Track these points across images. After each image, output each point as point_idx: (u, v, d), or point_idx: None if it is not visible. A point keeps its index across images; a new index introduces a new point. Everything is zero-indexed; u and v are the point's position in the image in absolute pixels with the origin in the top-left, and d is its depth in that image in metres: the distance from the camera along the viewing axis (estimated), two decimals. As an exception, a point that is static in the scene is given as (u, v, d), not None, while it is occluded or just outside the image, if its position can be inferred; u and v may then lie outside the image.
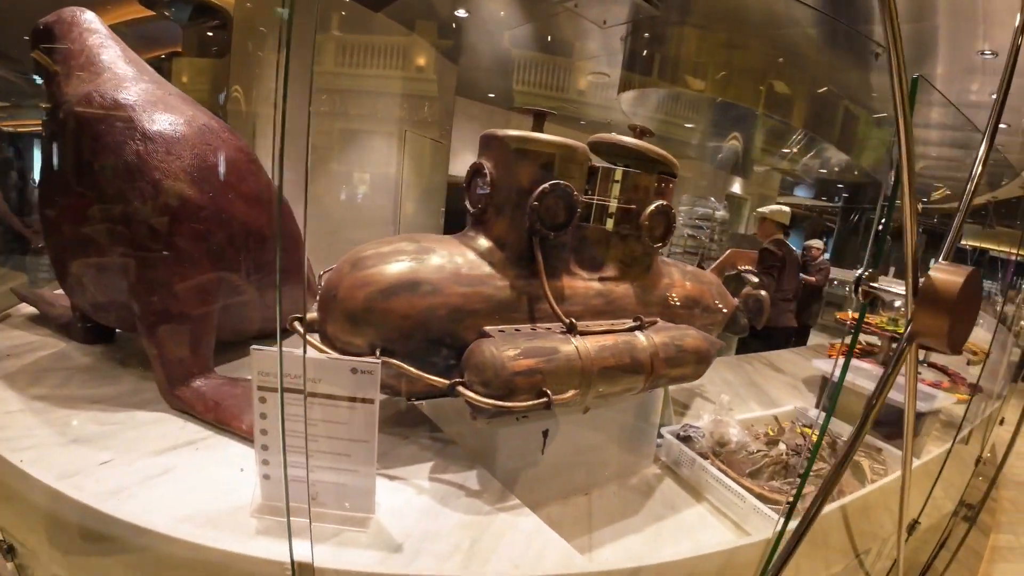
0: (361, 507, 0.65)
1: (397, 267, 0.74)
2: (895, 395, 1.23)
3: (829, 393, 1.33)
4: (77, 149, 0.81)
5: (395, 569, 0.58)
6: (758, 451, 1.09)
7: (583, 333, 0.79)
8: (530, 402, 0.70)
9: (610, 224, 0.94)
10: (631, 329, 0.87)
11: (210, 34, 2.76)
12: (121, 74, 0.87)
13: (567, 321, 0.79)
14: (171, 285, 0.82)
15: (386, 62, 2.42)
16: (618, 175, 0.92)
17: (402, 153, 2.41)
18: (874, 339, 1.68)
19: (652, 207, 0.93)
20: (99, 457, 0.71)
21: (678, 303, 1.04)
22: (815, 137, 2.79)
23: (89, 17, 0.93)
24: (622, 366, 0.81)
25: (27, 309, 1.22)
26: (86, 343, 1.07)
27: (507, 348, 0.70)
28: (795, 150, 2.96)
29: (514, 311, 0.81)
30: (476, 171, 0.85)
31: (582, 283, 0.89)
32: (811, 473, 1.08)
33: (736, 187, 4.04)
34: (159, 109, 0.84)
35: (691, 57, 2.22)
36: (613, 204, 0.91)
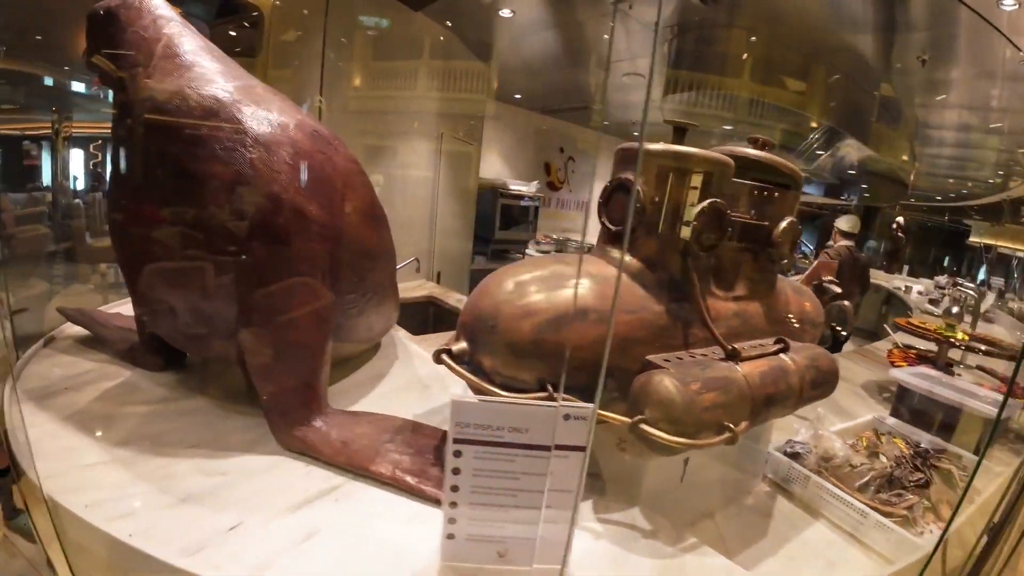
0: (552, 559, 0.61)
1: (562, 294, 0.70)
2: (966, 400, 1.28)
3: (902, 400, 1.37)
4: (169, 155, 0.71)
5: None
6: (862, 464, 1.11)
7: (742, 359, 0.77)
8: (718, 439, 0.67)
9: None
10: (777, 352, 0.85)
11: (232, 33, 2.59)
12: (212, 68, 0.77)
13: (728, 348, 0.77)
14: (289, 312, 0.74)
15: (426, 64, 2.33)
16: (759, 192, 0.90)
17: (438, 155, 2.33)
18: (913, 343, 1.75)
19: (784, 223, 0.91)
20: (223, 520, 0.61)
21: (793, 319, 1.03)
22: (833, 136, 2.87)
23: (158, 1, 0.82)
24: (780, 392, 0.79)
25: (73, 330, 1.10)
26: (155, 370, 0.96)
27: (691, 382, 0.67)
28: (814, 147, 3.05)
29: (671, 337, 0.77)
30: (621, 187, 0.81)
31: (721, 303, 0.87)
32: (910, 482, 1.11)
33: None
34: (265, 110, 0.75)
35: (737, 59, 2.26)
36: (754, 221, 0.89)
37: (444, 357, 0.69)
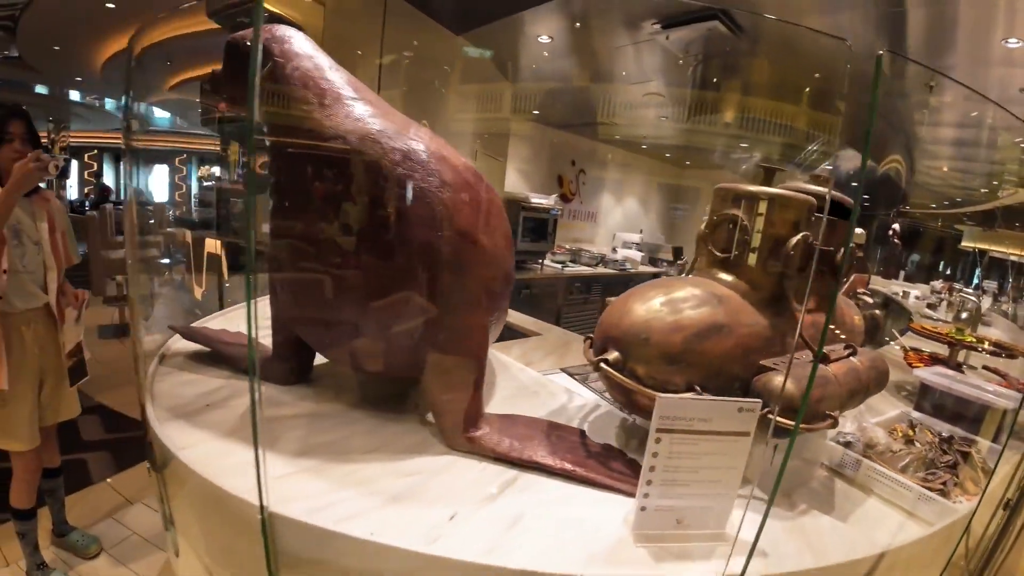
0: (717, 525, 0.78)
1: (703, 311, 0.88)
2: (982, 395, 1.53)
3: (924, 396, 1.61)
4: (366, 191, 0.83)
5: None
6: (900, 450, 1.33)
7: (830, 361, 0.98)
8: (824, 424, 0.87)
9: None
10: (848, 355, 1.06)
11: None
12: (382, 109, 0.90)
13: (819, 352, 0.97)
14: (468, 330, 0.89)
15: (465, 86, 2.50)
16: (828, 224, 1.11)
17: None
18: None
19: (841, 252, 1.13)
20: (441, 513, 0.73)
21: (847, 328, 1.25)
22: (829, 147, 3.17)
23: (298, 34, 0.96)
24: (856, 388, 1.00)
25: (181, 347, 1.21)
26: (284, 384, 1.09)
27: (801, 380, 0.87)
28: (811, 159, 3.37)
29: (773, 345, 0.97)
30: (730, 220, 1.00)
31: (799, 316, 1.08)
32: (942, 463, 1.33)
33: None
34: (437, 150, 0.89)
35: (757, 83, 2.55)
36: (825, 248, 1.10)
37: (604, 366, 0.86)
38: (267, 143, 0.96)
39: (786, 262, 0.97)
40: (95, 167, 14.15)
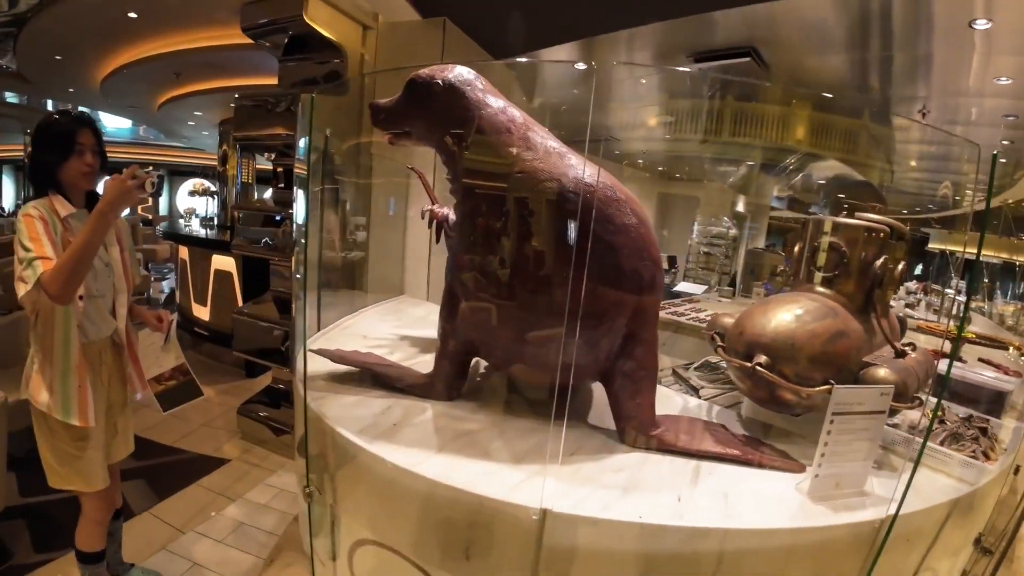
0: (861, 484, 1.06)
1: (828, 321, 1.17)
2: (989, 381, 1.93)
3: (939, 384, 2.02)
4: (577, 228, 1.01)
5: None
6: (936, 428, 1.70)
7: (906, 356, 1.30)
8: (910, 404, 1.17)
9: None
10: (908, 352, 1.40)
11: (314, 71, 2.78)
12: (562, 149, 1.10)
13: (900, 349, 1.29)
14: (653, 343, 1.12)
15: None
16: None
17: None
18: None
19: (899, 267, 1.47)
20: (665, 496, 0.95)
21: (893, 329, 1.61)
22: (807, 158, 3.72)
23: (474, 75, 1.16)
24: (922, 376, 1.33)
25: (324, 366, 1.32)
26: (448, 400, 1.26)
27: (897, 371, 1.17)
28: (791, 169, 3.92)
29: (868, 344, 1.28)
30: (833, 247, 1.31)
31: (881, 321, 1.40)
32: (968, 437, 1.69)
33: (740, 205, 5.03)
34: (622, 188, 1.10)
35: (766, 114, 3.00)
36: (891, 266, 1.44)
37: (759, 368, 1.13)
38: (458, 178, 1.13)
39: (873, 279, 1.28)
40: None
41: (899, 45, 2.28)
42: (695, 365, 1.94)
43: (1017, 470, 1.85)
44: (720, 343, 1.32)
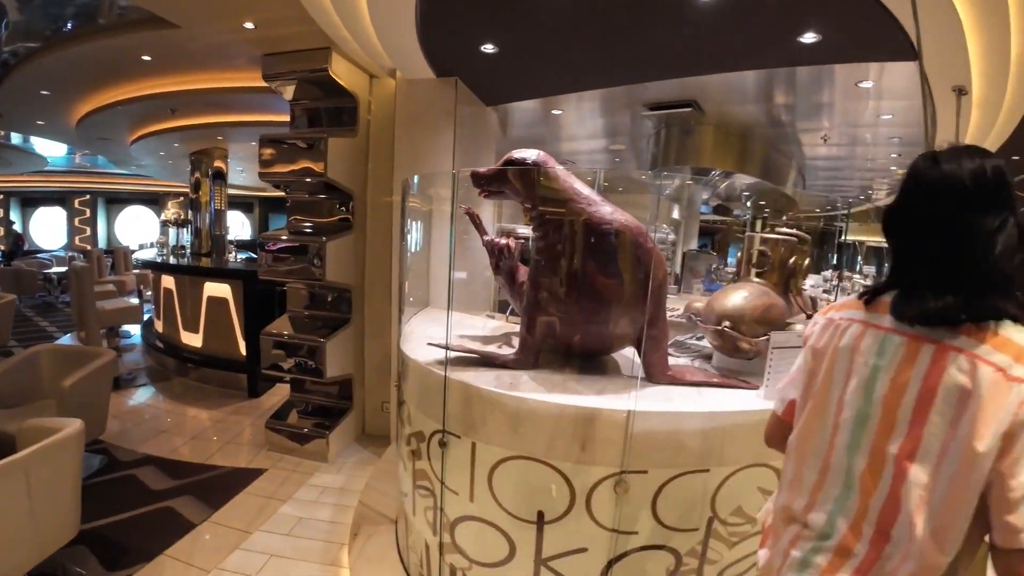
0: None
1: (766, 298, 2.01)
2: None
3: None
4: (628, 257, 1.77)
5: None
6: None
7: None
8: (821, 346, 2.04)
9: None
10: (816, 315, 2.28)
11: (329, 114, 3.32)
12: (600, 199, 1.88)
13: (810, 314, 2.16)
14: (665, 315, 1.89)
15: (487, 144, 3.47)
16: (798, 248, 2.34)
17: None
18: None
19: (806, 262, 2.37)
20: (688, 402, 1.75)
21: (806, 304, 2.51)
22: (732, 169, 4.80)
23: (548, 157, 1.90)
24: (824, 330, 2.21)
25: (427, 356, 1.99)
26: (533, 368, 1.96)
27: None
28: (716, 178, 4.97)
29: (788, 313, 2.13)
30: (761, 253, 2.15)
31: (797, 298, 2.27)
32: None
33: (675, 212, 6.04)
34: (641, 223, 1.89)
35: (703, 143, 4.01)
36: (798, 262, 2.32)
37: (726, 329, 1.94)
38: (540, 223, 1.85)
39: (788, 271, 2.14)
40: (1, 213, 12.10)
41: (803, 97, 3.30)
42: (667, 344, 2.76)
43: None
44: (698, 318, 2.13)
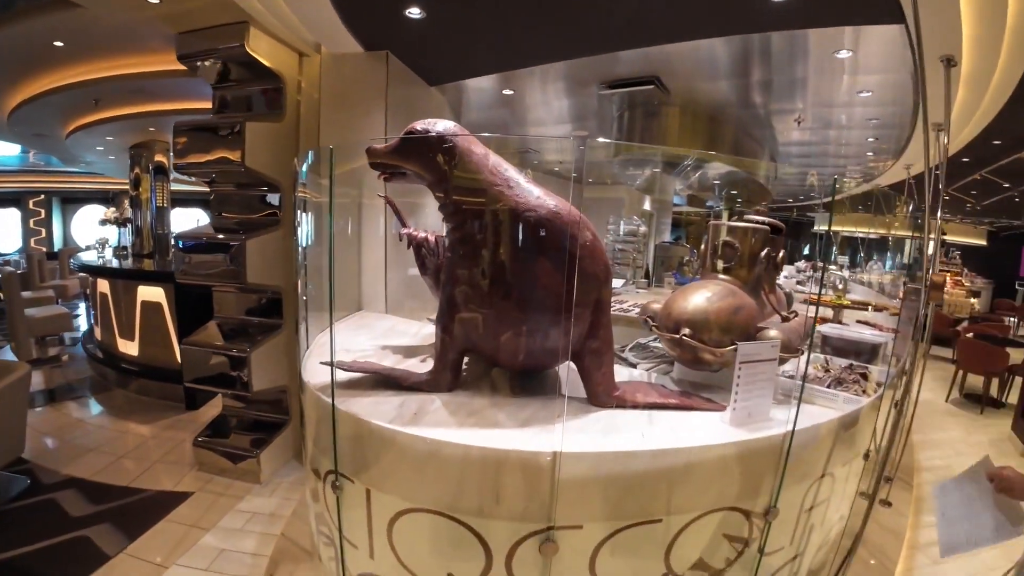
0: (766, 413, 1.50)
1: (732, 299, 1.61)
2: (867, 338, 2.53)
3: (826, 343, 2.61)
4: (553, 246, 1.36)
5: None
6: (823, 375, 2.24)
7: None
8: (796, 354, 1.66)
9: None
10: (791, 318, 1.90)
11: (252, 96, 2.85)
12: (530, 185, 1.46)
13: (785, 316, 1.78)
14: (609, 326, 1.49)
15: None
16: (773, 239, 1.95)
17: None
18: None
19: (780, 254, 1.98)
20: (632, 435, 1.33)
21: (780, 301, 2.13)
22: (701, 160, 4.42)
23: (462, 128, 1.47)
24: (803, 335, 1.83)
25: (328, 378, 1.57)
26: (449, 391, 1.55)
27: (787, 333, 1.65)
28: (688, 168, 4.60)
29: (760, 315, 1.75)
30: (728, 244, 1.76)
31: (770, 297, 1.89)
32: (850, 380, 2.25)
33: (647, 204, 5.67)
34: (577, 212, 1.47)
35: (669, 127, 3.59)
36: (773, 254, 1.93)
37: (685, 338, 1.54)
38: (453, 211, 1.43)
39: (760, 266, 1.76)
40: None
41: (777, 71, 2.91)
42: (629, 347, 2.37)
43: (898, 404, 2.48)
44: (653, 323, 1.73)
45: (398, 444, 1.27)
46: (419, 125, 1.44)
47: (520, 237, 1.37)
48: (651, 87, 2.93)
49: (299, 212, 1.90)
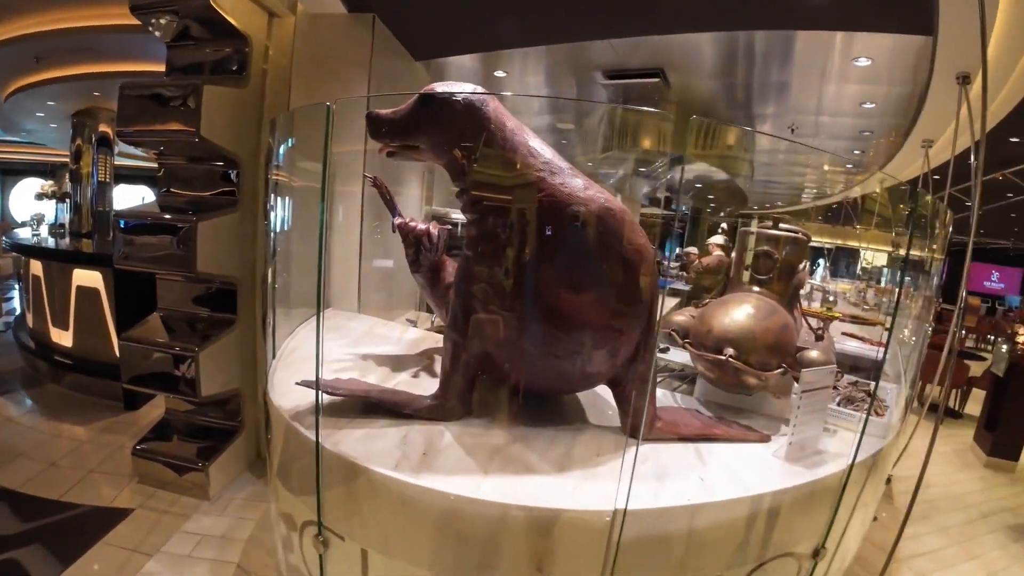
0: (817, 445, 1.29)
1: (777, 316, 1.39)
2: (865, 353, 2.39)
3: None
4: (609, 246, 1.07)
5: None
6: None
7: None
8: (835, 372, 1.47)
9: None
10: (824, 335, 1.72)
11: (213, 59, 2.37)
12: (567, 166, 1.13)
13: (820, 334, 1.58)
14: (653, 347, 1.23)
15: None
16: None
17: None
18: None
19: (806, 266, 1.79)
20: (693, 479, 1.08)
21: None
22: (675, 161, 4.26)
23: (493, 98, 1.14)
24: (831, 355, 1.65)
25: (304, 398, 1.23)
26: (460, 419, 1.24)
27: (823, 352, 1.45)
28: (659, 170, 4.46)
29: (797, 333, 1.55)
30: (765, 254, 1.54)
31: (801, 312, 1.69)
32: (858, 397, 2.11)
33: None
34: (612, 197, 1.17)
35: (664, 125, 3.37)
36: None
37: (730, 359, 1.31)
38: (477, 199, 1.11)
39: (798, 279, 1.55)
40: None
41: (789, 73, 2.74)
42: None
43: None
44: (685, 340, 1.49)
45: (409, 499, 0.96)
46: (440, 87, 1.11)
47: (565, 236, 1.07)
48: (656, 80, 2.69)
49: (272, 194, 1.51)
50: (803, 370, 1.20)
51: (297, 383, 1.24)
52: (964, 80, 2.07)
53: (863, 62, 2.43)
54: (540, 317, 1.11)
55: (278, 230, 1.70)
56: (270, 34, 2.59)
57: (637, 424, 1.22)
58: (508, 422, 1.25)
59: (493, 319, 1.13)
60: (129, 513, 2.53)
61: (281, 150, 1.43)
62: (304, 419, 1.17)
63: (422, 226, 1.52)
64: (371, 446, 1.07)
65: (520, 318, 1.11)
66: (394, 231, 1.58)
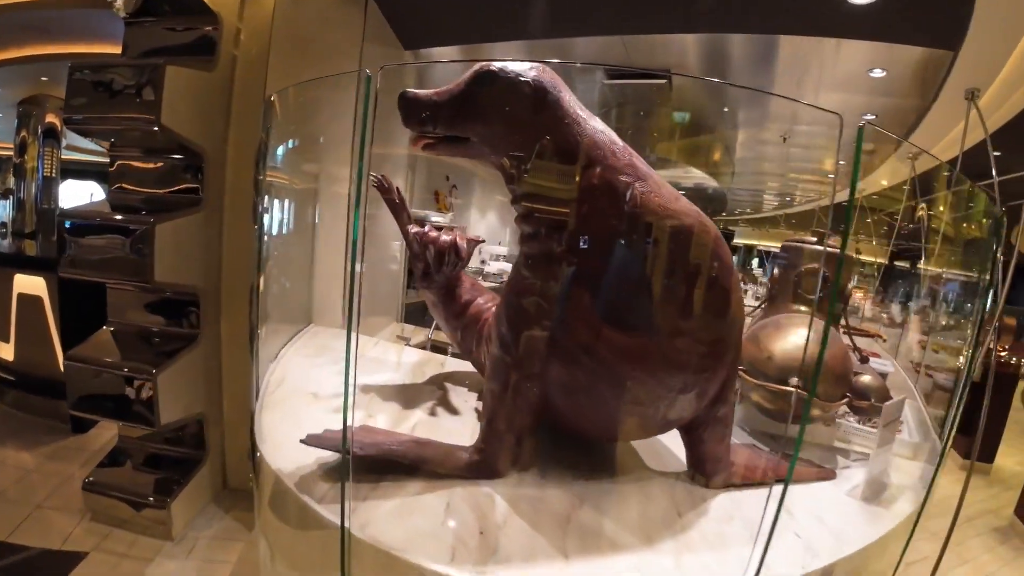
0: (887, 478, 1.15)
1: (839, 341, 1.24)
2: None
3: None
4: (699, 267, 0.86)
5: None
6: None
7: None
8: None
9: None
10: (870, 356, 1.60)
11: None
12: (649, 169, 0.90)
13: (865, 355, 1.45)
14: (733, 387, 1.03)
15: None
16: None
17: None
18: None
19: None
20: (789, 540, 0.89)
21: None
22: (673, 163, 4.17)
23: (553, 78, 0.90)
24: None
25: (305, 455, 0.96)
26: (502, 477, 1.00)
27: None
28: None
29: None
30: (813, 272, 1.39)
31: (844, 332, 1.56)
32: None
33: None
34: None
35: (662, 127, 3.22)
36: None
37: (799, 391, 1.14)
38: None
39: (849, 299, 1.42)
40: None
41: (799, 79, 2.63)
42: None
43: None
44: (740, 368, 1.31)
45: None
46: (496, 66, 0.87)
47: (659, 259, 0.86)
48: (663, 81, 2.54)
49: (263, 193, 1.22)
50: (885, 404, 1.05)
51: (303, 441, 0.95)
52: (972, 95, 2.02)
53: (878, 73, 2.37)
54: (627, 357, 0.87)
55: (265, 233, 1.41)
56: (241, 17, 2.23)
57: (713, 472, 1.04)
58: (563, 476, 1.03)
59: (564, 361, 0.90)
60: (83, 557, 2.12)
61: (279, 145, 1.14)
62: (313, 488, 0.90)
63: (446, 237, 1.27)
64: (411, 526, 0.82)
65: (601, 360, 0.87)
66: (409, 243, 1.32)
